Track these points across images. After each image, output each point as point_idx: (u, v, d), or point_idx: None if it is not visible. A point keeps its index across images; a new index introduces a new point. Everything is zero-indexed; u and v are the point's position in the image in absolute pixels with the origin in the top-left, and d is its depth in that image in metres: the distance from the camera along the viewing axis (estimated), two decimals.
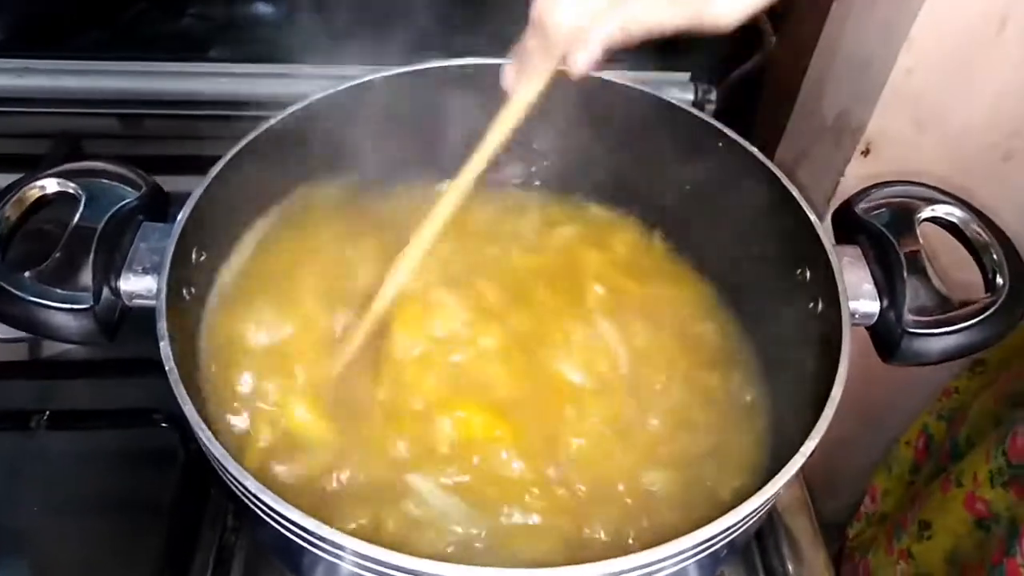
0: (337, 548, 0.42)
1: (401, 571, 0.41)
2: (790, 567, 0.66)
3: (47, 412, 0.66)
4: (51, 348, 0.77)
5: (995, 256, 0.54)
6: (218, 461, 0.44)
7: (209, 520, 0.65)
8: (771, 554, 0.67)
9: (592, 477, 0.56)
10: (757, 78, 1.00)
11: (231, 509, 0.65)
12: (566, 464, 0.57)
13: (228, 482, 0.45)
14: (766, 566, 0.67)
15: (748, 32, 0.98)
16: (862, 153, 0.88)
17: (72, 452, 0.69)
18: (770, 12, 0.95)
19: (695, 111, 0.65)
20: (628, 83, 0.67)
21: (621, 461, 0.58)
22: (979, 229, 0.56)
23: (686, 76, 0.96)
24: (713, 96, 0.98)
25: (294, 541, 0.43)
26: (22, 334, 0.76)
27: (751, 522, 0.45)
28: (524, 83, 0.51)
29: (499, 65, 0.52)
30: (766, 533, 0.68)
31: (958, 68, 0.80)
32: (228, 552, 0.64)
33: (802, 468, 0.69)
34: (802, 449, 0.45)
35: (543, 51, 0.48)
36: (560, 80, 0.68)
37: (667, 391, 0.62)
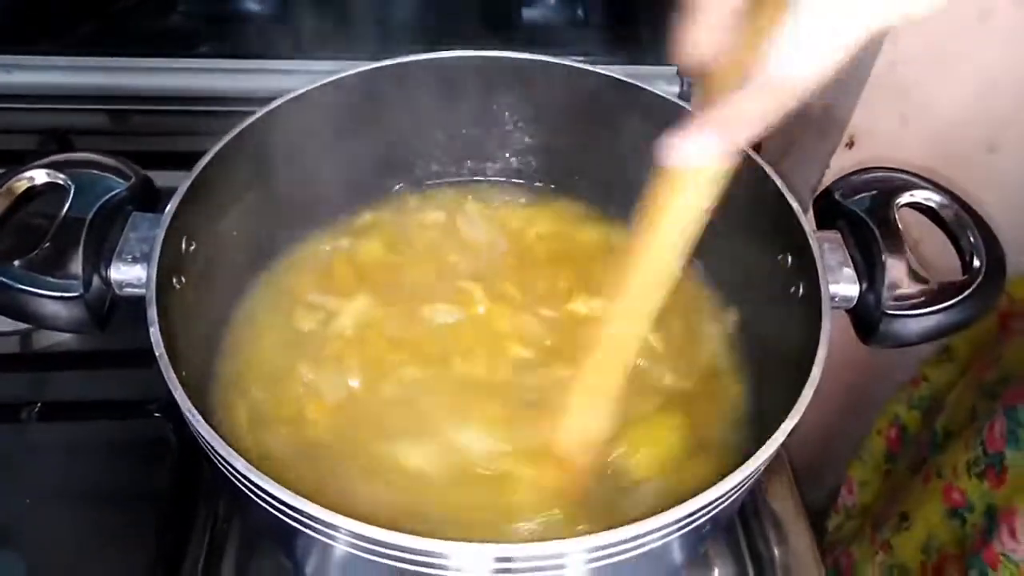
0: (331, 528, 0.42)
1: (396, 549, 0.41)
2: (776, 551, 0.67)
3: (38, 404, 0.66)
4: (42, 342, 0.78)
5: (972, 238, 0.55)
6: (207, 443, 0.44)
7: (202, 509, 0.66)
8: (756, 538, 0.68)
9: None
10: None
11: (224, 497, 0.66)
12: None
13: (219, 464, 0.45)
14: (751, 550, 0.68)
15: None
16: (847, 145, 0.88)
17: (64, 444, 0.69)
18: None
19: (676, 99, 0.66)
20: (609, 72, 0.67)
21: None
22: (956, 213, 0.57)
23: (672, 70, 0.97)
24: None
25: (287, 522, 0.44)
26: (13, 327, 0.77)
27: (731, 499, 0.45)
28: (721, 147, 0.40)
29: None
30: (751, 518, 0.69)
31: (942, 60, 0.81)
32: (221, 540, 0.64)
33: (787, 449, 0.71)
34: (782, 427, 0.46)
35: (761, 108, 0.38)
36: (549, 73, 0.70)
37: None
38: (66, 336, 0.78)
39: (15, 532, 0.64)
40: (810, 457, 1.29)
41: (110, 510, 0.67)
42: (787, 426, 0.46)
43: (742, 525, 0.69)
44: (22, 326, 0.77)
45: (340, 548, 0.44)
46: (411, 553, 0.40)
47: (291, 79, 0.84)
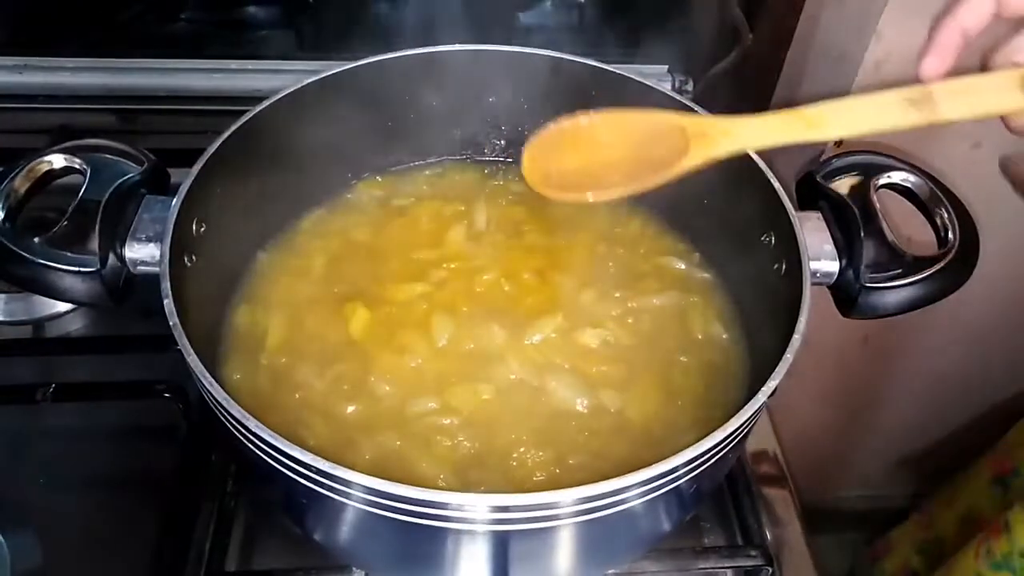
0: (344, 484, 0.44)
1: (408, 502, 0.43)
2: (767, 532, 0.70)
3: (52, 385, 0.68)
4: (53, 331, 0.80)
5: (946, 215, 0.58)
6: (222, 407, 0.46)
7: (210, 487, 0.68)
8: (750, 523, 0.70)
9: None
10: (735, 73, 1.04)
11: (231, 475, 0.68)
12: None
13: (232, 428, 0.47)
14: (743, 527, 0.70)
15: (725, 29, 1.02)
16: (835, 144, 0.90)
17: (77, 427, 0.71)
18: (745, 8, 0.99)
19: (666, 90, 0.68)
20: (604, 66, 0.70)
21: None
22: (931, 192, 0.59)
23: (663, 68, 1.00)
24: (690, 87, 1.01)
25: (294, 481, 0.45)
26: (26, 317, 0.79)
27: (713, 460, 0.47)
28: None
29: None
30: (744, 502, 0.71)
31: None
32: (228, 517, 0.66)
33: (779, 440, 0.73)
34: (763, 388, 0.48)
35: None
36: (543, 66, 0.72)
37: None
38: (75, 327, 0.80)
39: (31, 512, 0.65)
40: (808, 454, 1.31)
41: (122, 489, 0.69)
42: (768, 387, 0.48)
43: (736, 513, 0.71)
44: (35, 315, 0.79)
45: (348, 504, 0.46)
46: (412, 504, 0.43)
47: (293, 78, 0.87)
